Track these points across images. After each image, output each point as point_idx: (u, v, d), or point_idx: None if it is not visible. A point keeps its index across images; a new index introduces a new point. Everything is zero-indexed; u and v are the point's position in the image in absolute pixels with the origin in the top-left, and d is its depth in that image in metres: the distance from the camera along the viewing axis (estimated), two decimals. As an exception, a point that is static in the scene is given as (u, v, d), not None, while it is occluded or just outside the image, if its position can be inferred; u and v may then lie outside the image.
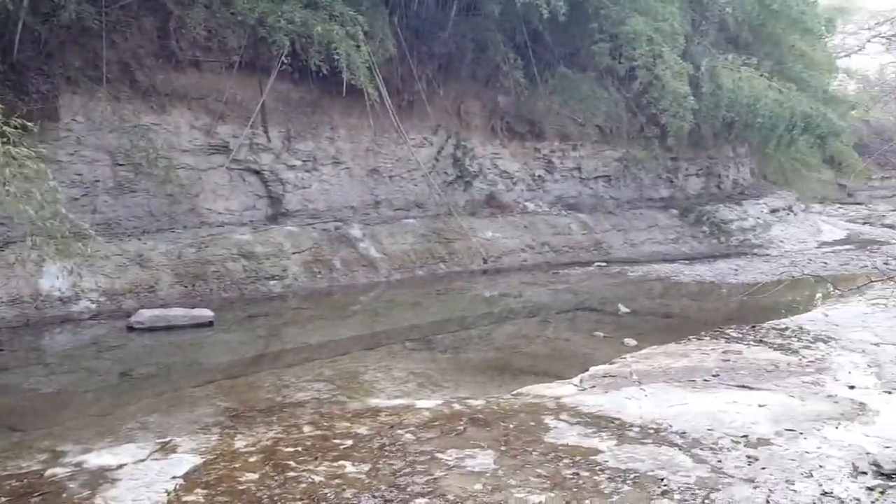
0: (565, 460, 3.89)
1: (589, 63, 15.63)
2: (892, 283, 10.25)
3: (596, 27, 14.50)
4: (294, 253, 10.77)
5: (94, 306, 8.50)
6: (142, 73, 10.25)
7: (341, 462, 3.90)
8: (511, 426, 4.47)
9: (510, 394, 5.47)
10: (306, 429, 4.58)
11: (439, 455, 3.96)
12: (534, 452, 4.01)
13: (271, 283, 10.14)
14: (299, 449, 4.14)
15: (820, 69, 22.61)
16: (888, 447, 4.09)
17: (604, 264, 13.66)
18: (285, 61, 10.66)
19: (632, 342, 7.41)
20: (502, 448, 4.08)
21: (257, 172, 11.57)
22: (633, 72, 14.79)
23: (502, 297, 10.88)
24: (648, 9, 14.84)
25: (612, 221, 15.95)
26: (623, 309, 9.43)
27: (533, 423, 4.53)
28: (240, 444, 4.29)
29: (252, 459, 4.00)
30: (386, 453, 4.02)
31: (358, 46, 10.80)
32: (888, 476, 3.68)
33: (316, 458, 3.96)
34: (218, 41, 10.74)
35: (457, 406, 4.97)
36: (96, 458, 4.11)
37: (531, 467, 3.79)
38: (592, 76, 15.97)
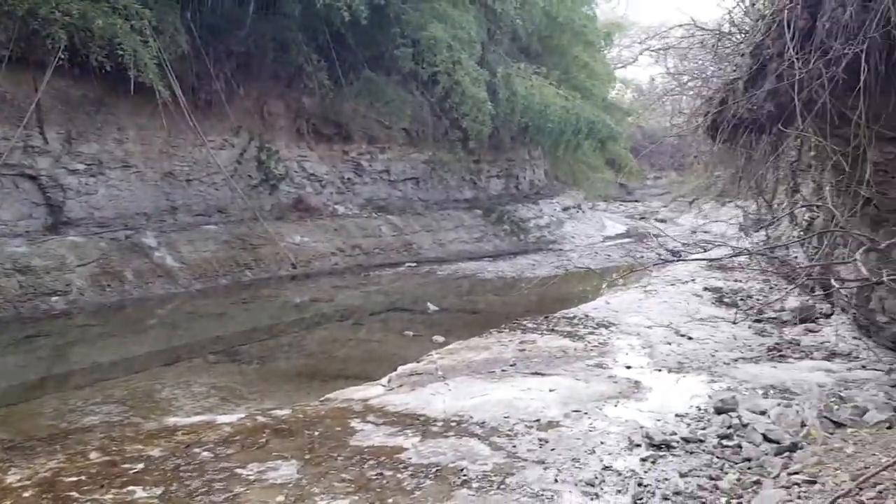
0: (370, 462, 3.94)
1: (393, 67, 15.92)
2: (648, 271, 11.41)
3: (398, 32, 14.82)
4: (79, 265, 9.85)
5: None
6: None
7: (131, 488, 3.65)
8: (316, 433, 4.43)
9: (318, 400, 5.42)
10: (93, 455, 4.22)
11: (239, 470, 3.84)
12: (339, 458, 4.01)
13: (53, 299, 9.21)
14: (83, 478, 3.82)
15: (600, 79, 24.88)
16: (658, 420, 4.61)
17: (414, 264, 13.99)
18: (62, 57, 9.70)
19: (440, 339, 7.67)
20: (307, 456, 4.04)
21: (33, 178, 10.42)
22: (435, 77, 15.35)
23: (313, 303, 10.73)
24: (447, 16, 15.45)
25: (421, 222, 16.36)
26: (432, 307, 9.73)
27: (339, 428, 4.53)
28: (13, 478, 3.88)
29: (27, 494, 3.64)
30: (181, 474, 3.81)
31: (145, 42, 10.14)
32: (658, 447, 4.14)
33: (102, 486, 3.68)
34: (-19, 33, 9.56)
35: (260, 418, 4.84)
36: None
37: (336, 473, 3.80)
38: (397, 80, 16.27)
